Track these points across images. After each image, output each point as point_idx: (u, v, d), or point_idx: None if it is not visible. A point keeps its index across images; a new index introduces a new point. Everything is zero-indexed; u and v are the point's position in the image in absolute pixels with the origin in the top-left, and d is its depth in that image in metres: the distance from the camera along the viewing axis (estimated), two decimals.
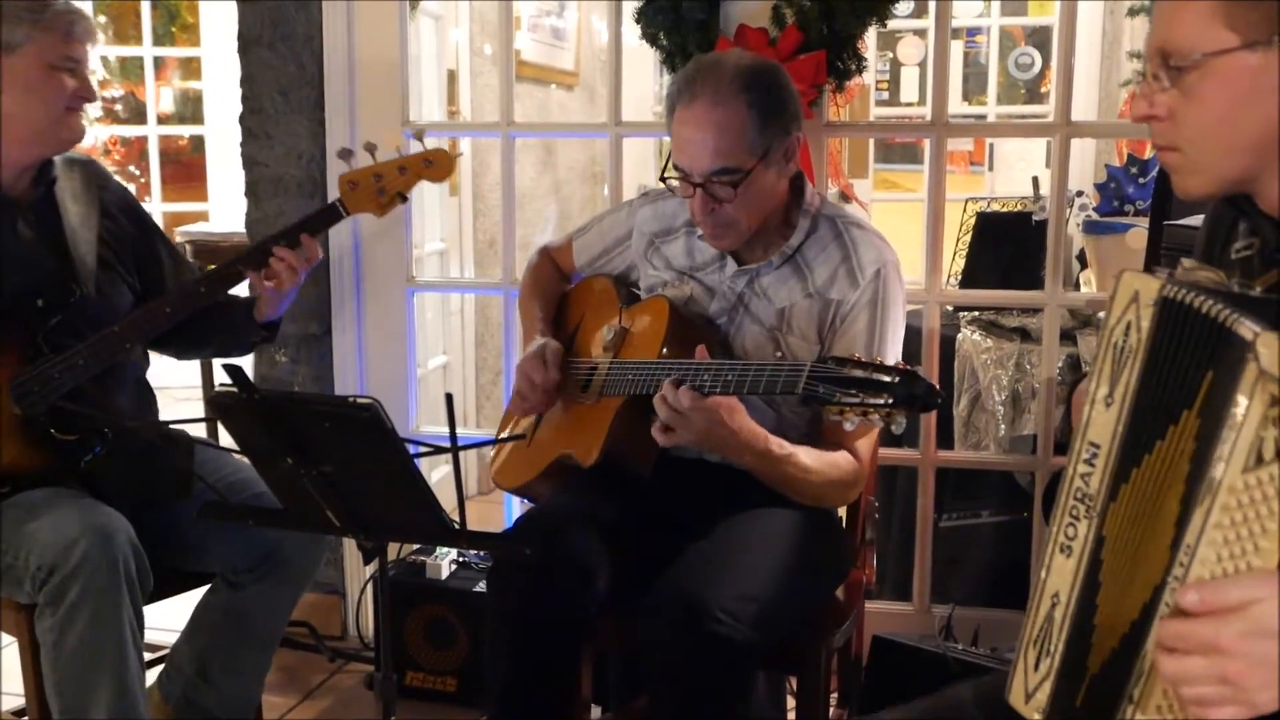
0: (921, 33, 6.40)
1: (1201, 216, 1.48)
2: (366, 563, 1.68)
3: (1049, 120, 2.84)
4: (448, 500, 1.57)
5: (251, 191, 2.97)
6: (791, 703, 2.42)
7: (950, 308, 3.15)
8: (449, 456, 1.58)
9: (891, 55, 7.30)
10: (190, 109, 7.43)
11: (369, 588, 2.97)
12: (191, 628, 2.24)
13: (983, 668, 2.28)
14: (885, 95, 7.62)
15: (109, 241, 2.20)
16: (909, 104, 7.20)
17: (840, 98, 2.90)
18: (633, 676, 2.38)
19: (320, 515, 1.63)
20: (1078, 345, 2.83)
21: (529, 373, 2.06)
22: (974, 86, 8.00)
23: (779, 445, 1.88)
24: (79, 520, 1.94)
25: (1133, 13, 5.01)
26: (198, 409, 3.87)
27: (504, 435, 2.26)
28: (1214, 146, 1.17)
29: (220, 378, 1.57)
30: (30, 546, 1.93)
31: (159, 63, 6.22)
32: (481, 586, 2.67)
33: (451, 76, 4.42)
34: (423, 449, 1.74)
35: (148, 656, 2.41)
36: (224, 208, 5.41)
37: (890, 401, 1.58)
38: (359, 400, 1.49)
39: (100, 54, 5.55)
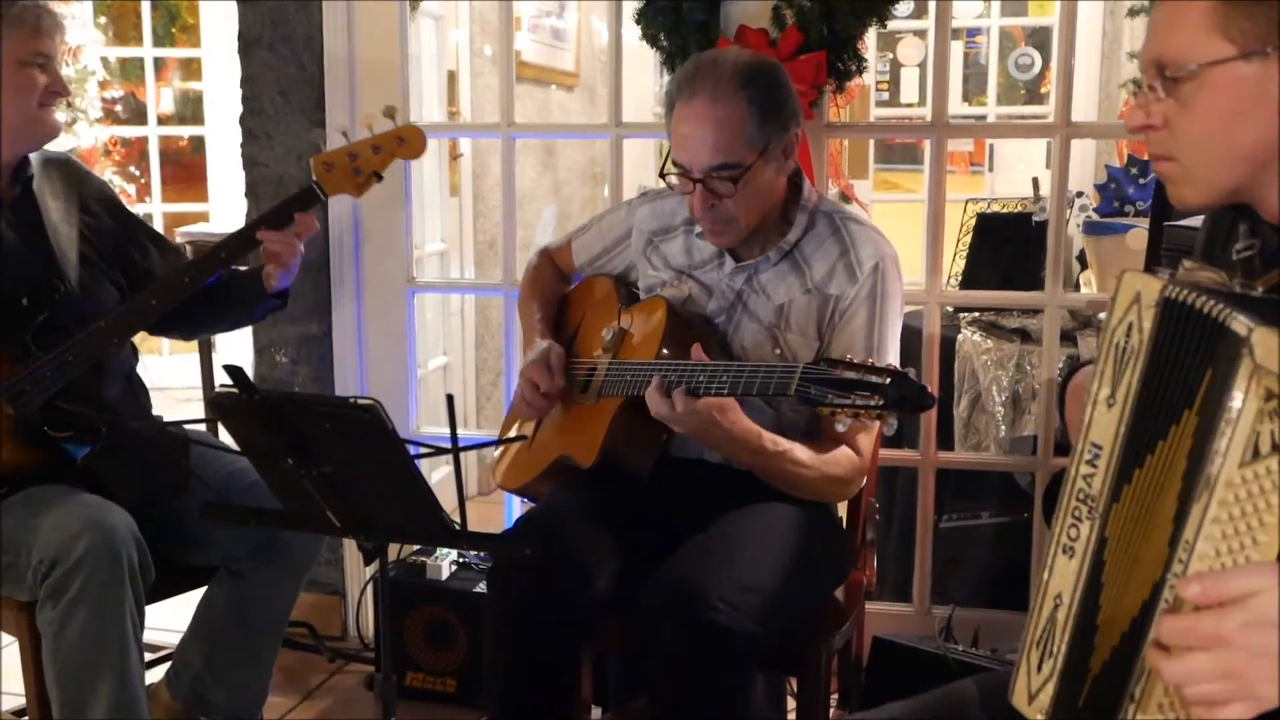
0: (921, 33, 6.40)
1: (1201, 218, 1.48)
2: (367, 563, 1.68)
3: (1049, 121, 2.84)
4: (448, 501, 1.57)
5: (252, 192, 2.97)
6: (791, 704, 2.42)
7: (950, 309, 3.15)
8: (449, 457, 1.58)
9: (891, 56, 7.31)
10: (190, 110, 7.43)
11: (369, 588, 2.97)
12: (196, 623, 2.24)
13: (983, 669, 2.28)
14: (885, 96, 7.62)
15: (90, 238, 2.20)
16: (909, 105, 7.21)
17: (840, 98, 2.90)
18: (632, 677, 2.38)
19: (321, 516, 1.63)
20: (1078, 346, 2.83)
21: (534, 379, 2.06)
22: (974, 87, 8.01)
23: (773, 441, 1.88)
24: (81, 515, 1.94)
25: (1133, 13, 5.00)
26: (198, 410, 3.87)
27: (504, 437, 2.26)
28: (1210, 157, 1.17)
29: (220, 378, 1.57)
30: (32, 542, 1.94)
31: (159, 63, 6.22)
32: (482, 587, 2.67)
33: (452, 77, 4.42)
34: (423, 450, 1.74)
35: (150, 656, 2.42)
36: (224, 208, 5.41)
37: (881, 403, 1.59)
38: (359, 401, 1.49)
39: (100, 55, 5.54)
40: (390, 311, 2.97)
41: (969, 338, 3.04)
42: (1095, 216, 3.19)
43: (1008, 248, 3.25)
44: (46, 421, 2.04)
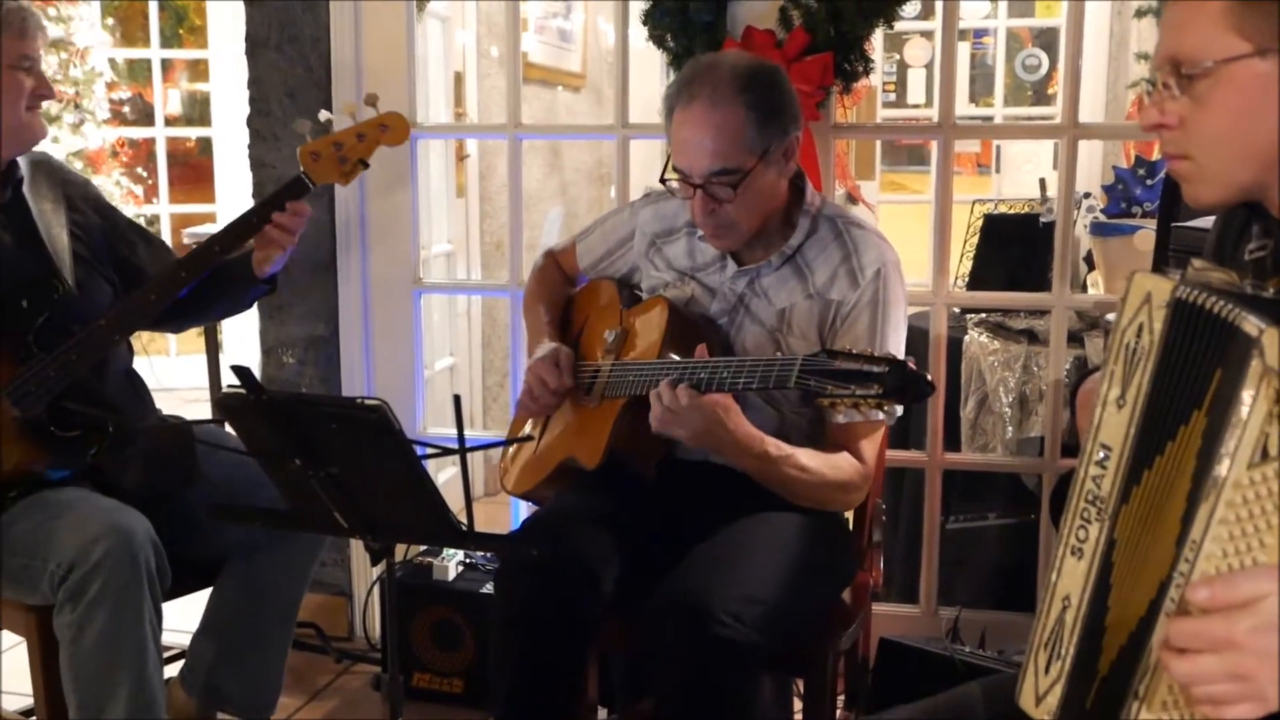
0: (928, 34, 6.39)
1: (1210, 218, 1.47)
2: (374, 564, 1.68)
3: (1056, 122, 2.84)
4: (455, 501, 1.57)
5: (259, 193, 2.97)
6: (798, 705, 2.42)
7: (957, 310, 3.15)
8: (456, 458, 1.58)
9: (898, 57, 7.30)
10: (198, 111, 7.44)
11: (376, 589, 2.98)
12: (208, 617, 2.25)
13: (990, 670, 2.27)
14: (892, 97, 7.62)
15: (80, 236, 2.20)
16: (916, 106, 7.20)
17: (847, 99, 2.89)
18: (638, 678, 2.37)
19: (328, 516, 1.64)
20: (1085, 347, 2.82)
21: (542, 374, 2.06)
22: (981, 88, 8.00)
23: (776, 446, 1.88)
24: (100, 519, 1.94)
25: (1140, 14, 4.99)
26: (205, 410, 3.88)
27: (510, 438, 2.26)
28: (1226, 155, 1.17)
29: (228, 379, 1.57)
30: (49, 546, 1.94)
31: (166, 65, 6.24)
32: (488, 588, 2.67)
33: (458, 78, 4.42)
34: (430, 450, 1.74)
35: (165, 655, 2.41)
36: (231, 209, 5.41)
37: (880, 391, 1.59)
38: (366, 401, 1.49)
39: (108, 56, 5.55)
40: (397, 312, 2.97)
41: (976, 339, 3.04)
42: (1102, 217, 3.19)
43: (1015, 249, 3.24)
44: (52, 422, 2.04)
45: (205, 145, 5.89)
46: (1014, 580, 2.91)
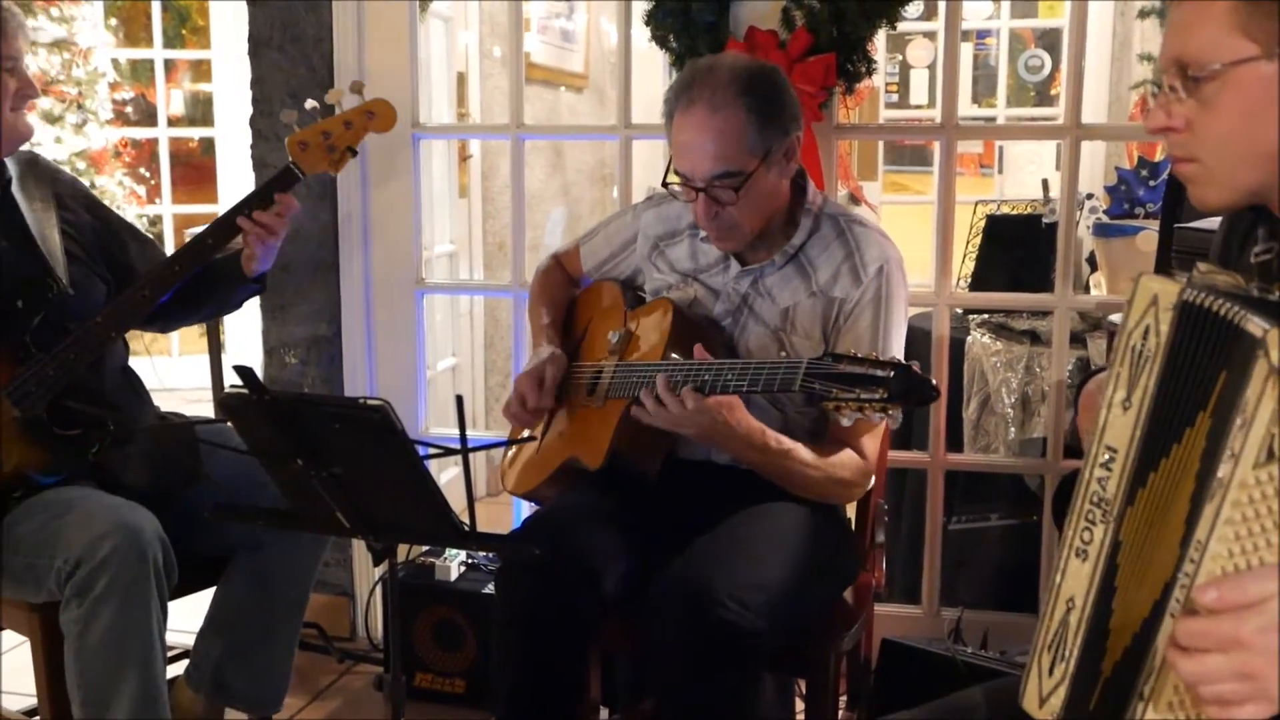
0: (931, 35, 6.39)
1: (1213, 219, 1.47)
2: (376, 564, 1.68)
3: (1059, 123, 2.84)
4: (457, 502, 1.57)
5: None
6: (800, 706, 2.42)
7: (960, 310, 3.15)
8: (458, 458, 1.58)
9: (901, 57, 7.30)
10: (200, 111, 7.45)
11: (378, 589, 2.97)
12: (214, 613, 2.24)
13: (992, 671, 2.27)
14: (895, 98, 7.61)
15: (72, 234, 2.19)
16: (918, 106, 7.19)
17: (850, 100, 2.89)
18: (640, 678, 2.37)
19: (330, 516, 1.64)
20: (1087, 348, 2.82)
21: (523, 391, 2.08)
22: (984, 89, 7.99)
23: (777, 440, 1.89)
24: (108, 516, 1.94)
25: (1143, 15, 4.98)
26: (208, 410, 3.87)
27: (514, 438, 2.26)
28: (1233, 157, 1.17)
29: (230, 379, 1.57)
30: (56, 543, 1.93)
31: (169, 65, 6.24)
32: (490, 588, 2.67)
33: (461, 79, 4.43)
34: (432, 450, 1.74)
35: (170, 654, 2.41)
36: None
37: (885, 396, 1.60)
38: (369, 401, 1.49)
39: (111, 56, 5.56)
40: (399, 313, 2.97)
41: (978, 339, 3.04)
42: (1105, 218, 3.18)
43: (1017, 250, 3.24)
44: (53, 421, 2.04)
45: (208, 145, 5.90)
46: (1016, 581, 2.91)
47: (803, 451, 1.91)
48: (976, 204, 3.59)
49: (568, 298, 2.32)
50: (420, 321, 3.00)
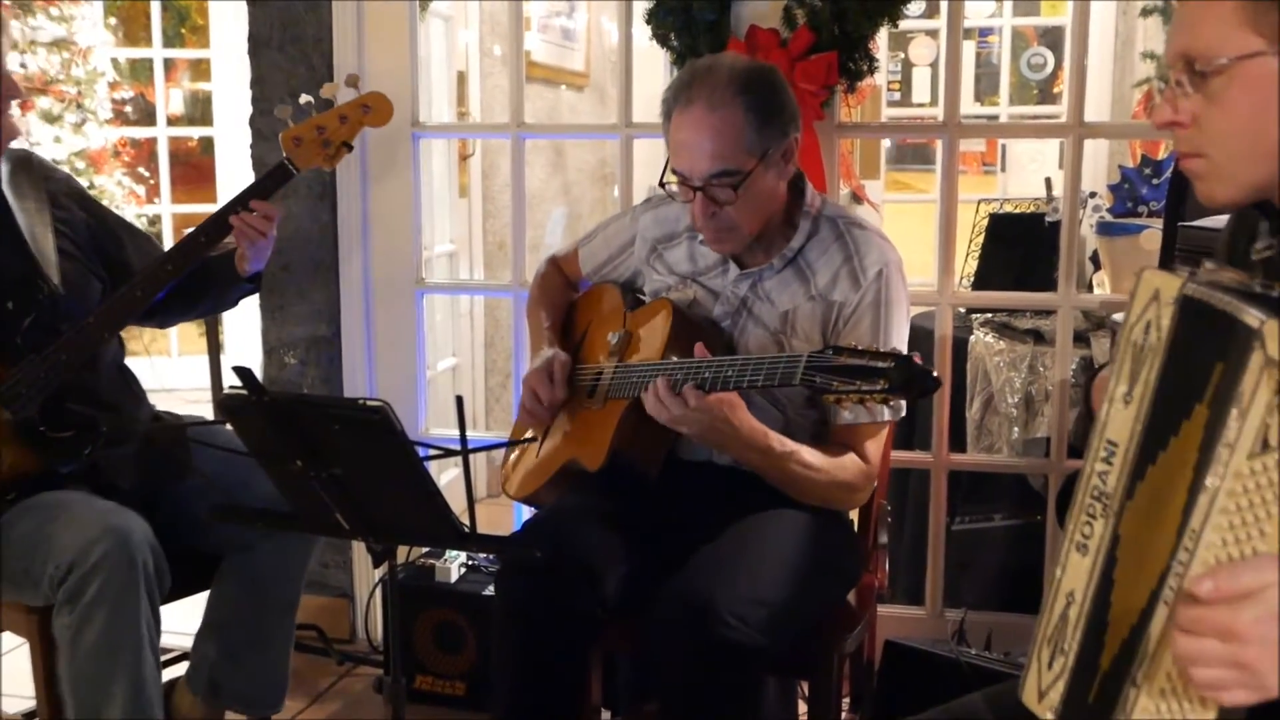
0: (933, 33, 6.38)
1: (1217, 218, 1.47)
2: (376, 566, 1.68)
3: (1062, 121, 2.83)
4: (457, 503, 1.57)
5: None
6: (803, 708, 2.41)
7: (962, 310, 3.14)
8: (458, 459, 1.58)
9: (903, 56, 7.29)
10: (200, 110, 7.45)
11: (378, 591, 2.97)
12: (208, 615, 2.25)
13: (996, 673, 2.27)
14: (897, 96, 7.61)
15: (66, 233, 2.19)
16: (921, 105, 7.19)
17: (852, 99, 2.90)
18: (642, 680, 2.37)
19: (329, 518, 1.63)
20: (1091, 347, 2.82)
21: (535, 388, 2.07)
22: (986, 87, 7.98)
23: (780, 442, 1.88)
24: (98, 521, 1.94)
25: (1146, 13, 4.98)
26: (207, 411, 3.87)
27: (514, 439, 2.26)
28: (1240, 152, 1.17)
29: (229, 380, 1.57)
30: (49, 548, 1.94)
31: (169, 64, 6.24)
32: (491, 590, 2.66)
33: (461, 78, 4.43)
34: (432, 451, 1.74)
35: (162, 658, 2.40)
36: None
37: (886, 387, 1.59)
38: (369, 402, 1.49)
39: (110, 56, 5.56)
40: (399, 313, 2.97)
41: (981, 339, 3.03)
42: (1108, 217, 3.18)
43: (1020, 248, 3.24)
44: (44, 423, 2.04)
45: (207, 145, 5.90)
46: (1020, 582, 2.90)
47: (806, 454, 1.91)
48: (979, 203, 3.58)
49: (566, 301, 2.31)
50: (420, 322, 3.00)
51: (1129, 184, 3.19)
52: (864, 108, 5.24)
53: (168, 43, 6.19)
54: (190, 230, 2.18)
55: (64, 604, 1.92)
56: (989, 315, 3.11)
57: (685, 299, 2.08)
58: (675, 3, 2.55)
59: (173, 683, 2.28)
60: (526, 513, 2.60)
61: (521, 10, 2.87)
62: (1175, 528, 0.99)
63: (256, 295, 2.41)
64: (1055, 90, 8.01)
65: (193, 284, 2.22)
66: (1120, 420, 1.06)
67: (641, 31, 2.67)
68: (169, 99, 6.51)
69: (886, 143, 6.70)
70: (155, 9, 5.76)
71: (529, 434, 2.21)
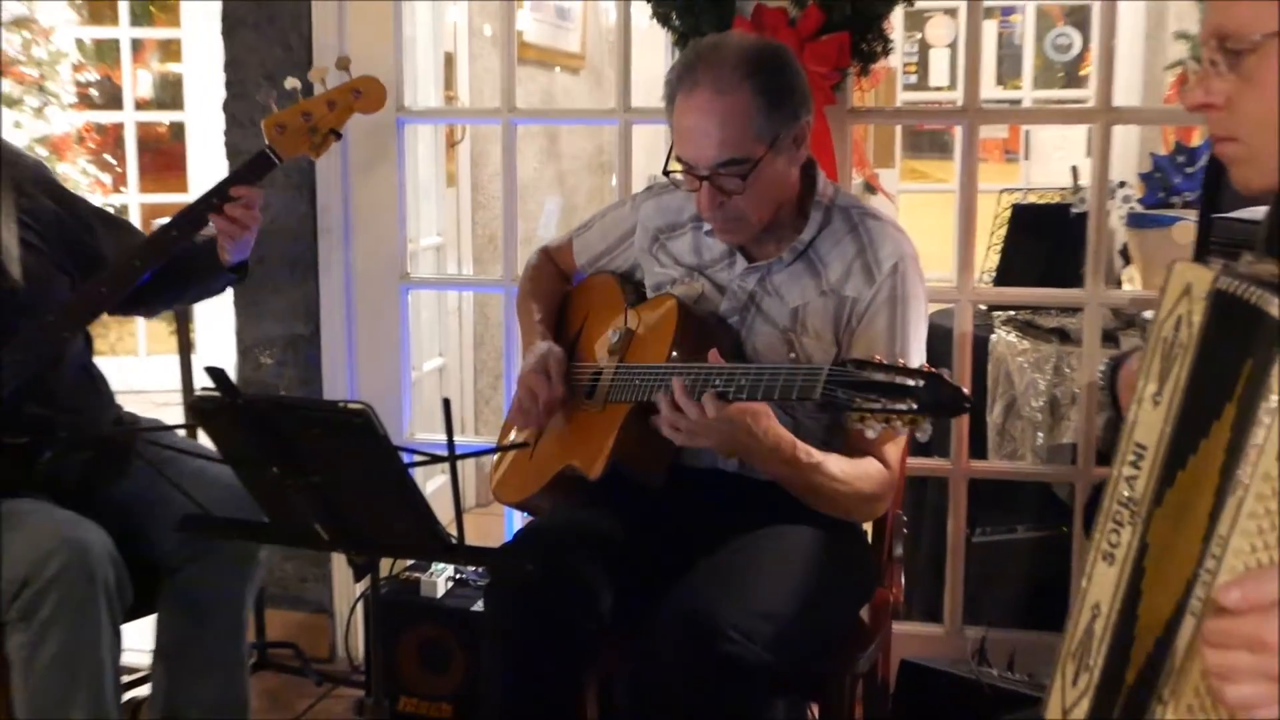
0: (952, 12, 6.41)
1: (1254, 209, 1.47)
2: (357, 580, 1.69)
3: (1089, 105, 2.85)
4: (444, 513, 1.57)
5: None
6: None
7: (983, 307, 3.15)
8: (445, 466, 1.58)
9: (920, 36, 7.31)
10: (170, 94, 7.44)
11: (359, 607, 2.97)
12: (157, 639, 2.23)
13: (1019, 695, 2.27)
14: (913, 79, 7.63)
15: (30, 224, 2.17)
16: (939, 88, 7.21)
17: (865, 82, 2.89)
18: (641, 702, 2.37)
19: (308, 529, 1.64)
20: (1120, 347, 2.82)
21: (531, 386, 2.06)
22: (1008, 69, 8.00)
23: (807, 453, 1.87)
24: (54, 532, 1.94)
25: None
26: (177, 414, 3.88)
27: (505, 444, 2.26)
28: (1276, 135, 1.17)
29: (201, 381, 1.57)
30: (1, 561, 1.93)
31: (136, 44, 6.24)
32: (479, 606, 2.67)
33: (449, 59, 4.43)
34: (418, 458, 1.74)
35: (127, 678, 2.40)
36: None
37: (915, 407, 1.58)
38: (350, 405, 1.49)
39: (74, 35, 5.56)
40: (382, 309, 2.97)
41: (1003, 338, 3.04)
42: (1139, 208, 3.18)
43: (1045, 242, 3.24)
44: (1, 428, 2.03)
45: (178, 131, 5.89)
46: (1045, 597, 2.90)
47: (831, 464, 1.90)
48: (1001, 193, 3.59)
49: (560, 293, 2.32)
50: (405, 319, 3.00)
51: (1161, 173, 3.19)
52: (878, 92, 5.26)
53: (136, 21, 6.18)
54: (162, 223, 2.17)
55: (18, 621, 1.92)
56: (1011, 313, 3.11)
57: (692, 294, 2.08)
58: None
59: (139, 704, 2.28)
60: (518, 523, 2.60)
61: None
62: (1202, 534, 0.99)
63: (230, 291, 2.41)
64: (1082, 73, 8.02)
65: (173, 275, 2.21)
66: (1149, 422, 1.07)
67: (641, 10, 2.68)
68: (137, 81, 6.51)
69: (901, 129, 6.70)
70: None
71: (521, 437, 2.21)
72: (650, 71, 2.95)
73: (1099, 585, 1.10)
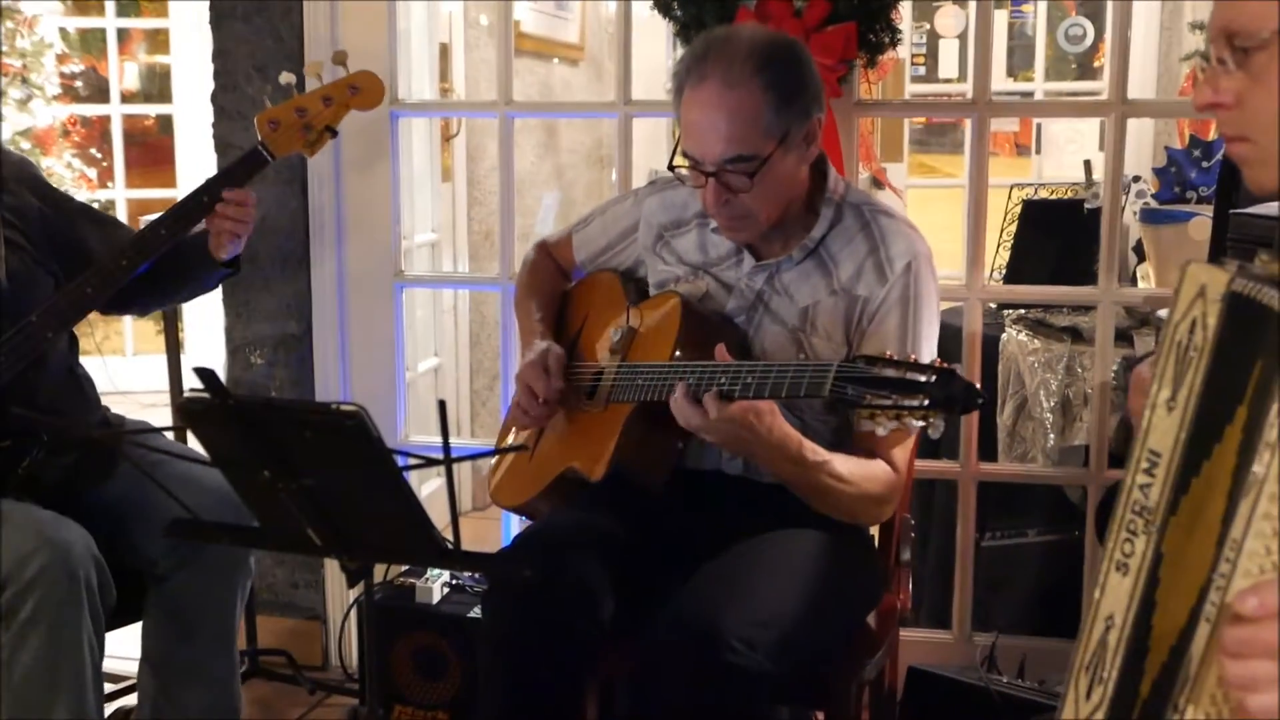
0: (962, 1, 6.39)
1: (1272, 204, 1.47)
2: (350, 586, 1.69)
3: (1103, 98, 2.84)
4: (440, 517, 1.57)
5: None
6: None
7: (993, 305, 3.15)
8: (441, 469, 1.58)
9: (928, 26, 7.30)
10: (157, 86, 7.45)
11: (353, 613, 2.98)
12: (143, 646, 2.24)
13: (1030, 703, 2.27)
14: (922, 71, 7.61)
15: (13, 221, 2.18)
16: (948, 80, 7.20)
17: (872, 74, 2.90)
18: (641, 710, 2.37)
19: (300, 534, 1.64)
20: (1134, 346, 2.82)
21: (530, 383, 2.06)
22: (1020, 61, 8.00)
23: (813, 451, 1.87)
24: (35, 532, 1.94)
25: None
26: (165, 416, 3.88)
27: (503, 446, 2.26)
28: None
29: (190, 382, 1.58)
30: None
31: (123, 35, 6.25)
32: (476, 612, 2.67)
33: (444, 50, 4.43)
34: (412, 461, 1.74)
35: (115, 687, 2.40)
36: None
37: (926, 403, 1.58)
38: (343, 407, 1.49)
39: (59, 25, 5.56)
40: (376, 308, 2.97)
41: (1014, 337, 3.04)
42: (1154, 204, 3.19)
43: (1057, 238, 3.25)
44: None
45: (165, 123, 5.91)
46: (1056, 603, 2.91)
47: (838, 464, 1.90)
48: (1012, 188, 3.59)
49: (559, 291, 2.32)
50: (399, 318, 3.00)
51: (1176, 167, 3.19)
52: (885, 84, 5.26)
53: (122, 11, 6.19)
54: (150, 221, 2.17)
55: None
56: (1022, 311, 3.12)
57: (696, 292, 2.08)
58: None
59: (126, 713, 2.28)
60: (515, 527, 2.60)
61: None
62: (1215, 538, 0.99)
63: (220, 289, 2.41)
64: (1095, 64, 8.02)
65: (165, 271, 2.21)
66: (1163, 428, 1.07)
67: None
68: (123, 73, 6.52)
69: (910, 122, 6.70)
70: None
71: (520, 438, 2.21)
72: (651, 63, 2.96)
73: (1112, 596, 1.10)
